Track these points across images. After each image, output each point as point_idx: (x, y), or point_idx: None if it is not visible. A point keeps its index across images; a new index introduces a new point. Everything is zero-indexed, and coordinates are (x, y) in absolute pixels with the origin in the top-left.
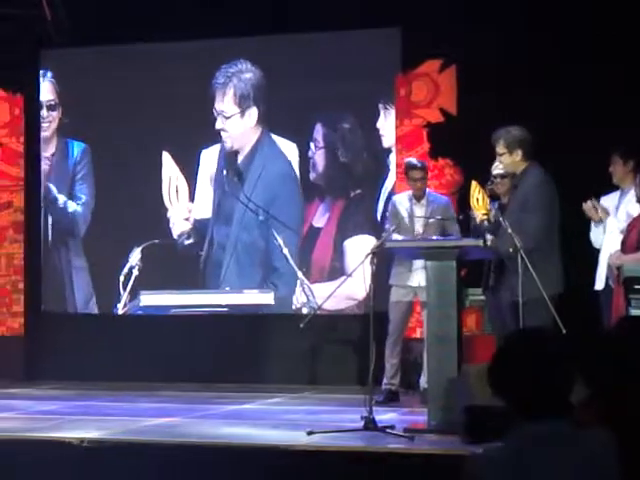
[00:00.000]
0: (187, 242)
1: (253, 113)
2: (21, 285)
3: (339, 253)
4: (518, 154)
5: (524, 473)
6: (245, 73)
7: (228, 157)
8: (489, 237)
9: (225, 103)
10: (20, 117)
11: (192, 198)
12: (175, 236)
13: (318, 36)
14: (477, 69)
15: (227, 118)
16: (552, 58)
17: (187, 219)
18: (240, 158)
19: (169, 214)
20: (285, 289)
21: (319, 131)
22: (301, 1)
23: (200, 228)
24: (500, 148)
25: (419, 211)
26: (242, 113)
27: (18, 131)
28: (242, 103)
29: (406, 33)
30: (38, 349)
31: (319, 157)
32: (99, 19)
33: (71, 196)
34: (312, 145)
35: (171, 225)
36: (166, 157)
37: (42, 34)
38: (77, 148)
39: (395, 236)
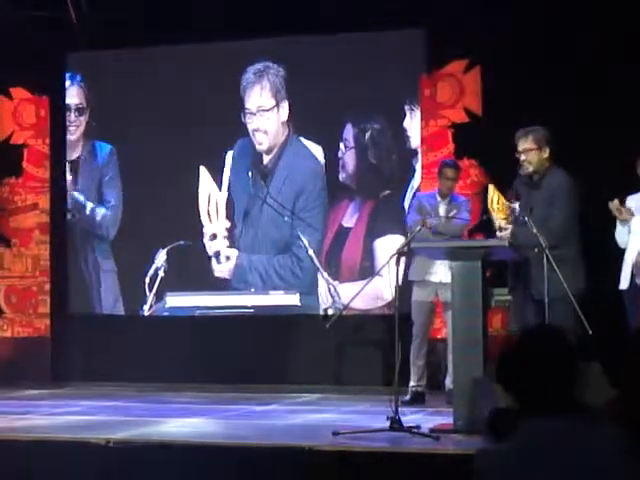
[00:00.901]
0: (220, 265)
1: (286, 107)
2: (47, 286)
3: (369, 253)
4: (546, 151)
5: (526, 470)
6: (272, 69)
7: (254, 157)
8: (504, 233)
9: (262, 97)
10: (46, 119)
11: (229, 216)
12: (211, 253)
13: (343, 37)
14: (502, 69)
15: (265, 111)
16: (578, 59)
17: (225, 237)
18: (268, 158)
19: (205, 231)
20: (310, 290)
21: (349, 132)
22: (326, 2)
23: (228, 232)
24: (529, 144)
25: (442, 209)
26: (278, 106)
27: (44, 133)
28: (278, 95)
29: (431, 34)
30: (64, 350)
31: (348, 158)
32: (125, 21)
33: (100, 199)
34: (342, 146)
35: (206, 241)
36: (203, 172)
37: (68, 36)
38: (104, 149)
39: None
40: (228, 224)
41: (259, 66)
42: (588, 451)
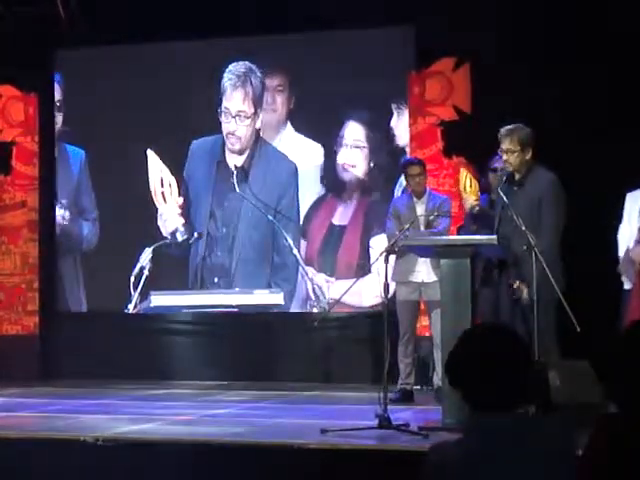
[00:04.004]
0: (181, 238)
1: (261, 117)
2: (36, 284)
3: (366, 252)
4: (529, 152)
5: (477, 465)
6: (255, 73)
7: (230, 156)
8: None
9: (245, 104)
10: (34, 116)
11: (180, 193)
12: (168, 233)
13: (332, 34)
14: (491, 67)
15: (245, 117)
16: (568, 56)
17: (180, 214)
18: (241, 158)
19: (160, 212)
20: (293, 289)
21: (339, 129)
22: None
23: (195, 224)
24: (513, 145)
25: (420, 209)
26: (256, 114)
27: (32, 130)
28: (257, 103)
29: (420, 31)
30: (53, 348)
31: (341, 155)
32: (105, 19)
33: (79, 211)
34: (333, 144)
35: (161, 222)
36: (151, 155)
37: (57, 33)
38: (77, 155)
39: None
40: (180, 201)
41: (242, 68)
42: (535, 448)
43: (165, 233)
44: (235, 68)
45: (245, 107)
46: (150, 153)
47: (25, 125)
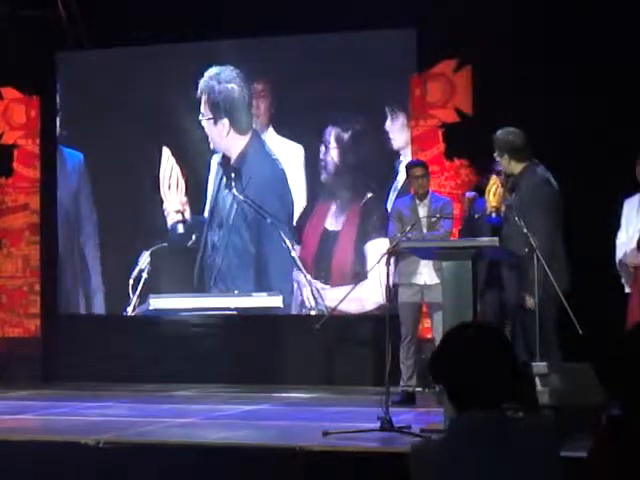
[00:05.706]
0: (179, 232)
1: (225, 123)
2: (37, 287)
3: (360, 257)
4: (505, 158)
5: (458, 464)
6: (228, 83)
7: (222, 159)
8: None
9: (203, 106)
10: (36, 119)
11: (187, 192)
12: (169, 225)
13: (333, 37)
14: (492, 69)
15: (206, 119)
16: (569, 58)
17: (179, 211)
18: (231, 161)
19: (165, 205)
20: (291, 292)
21: (332, 133)
22: (316, 1)
23: (197, 226)
24: (495, 150)
25: (422, 211)
26: (215, 120)
27: (34, 133)
28: (214, 110)
29: (421, 33)
30: (54, 351)
31: (332, 159)
32: (104, 22)
33: (78, 214)
34: (323, 147)
35: (166, 214)
36: (165, 151)
37: (59, 36)
38: (76, 159)
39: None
40: (185, 199)
41: (218, 75)
42: (517, 447)
43: (169, 226)
44: (213, 73)
45: (204, 109)
46: (164, 149)
47: (27, 128)
